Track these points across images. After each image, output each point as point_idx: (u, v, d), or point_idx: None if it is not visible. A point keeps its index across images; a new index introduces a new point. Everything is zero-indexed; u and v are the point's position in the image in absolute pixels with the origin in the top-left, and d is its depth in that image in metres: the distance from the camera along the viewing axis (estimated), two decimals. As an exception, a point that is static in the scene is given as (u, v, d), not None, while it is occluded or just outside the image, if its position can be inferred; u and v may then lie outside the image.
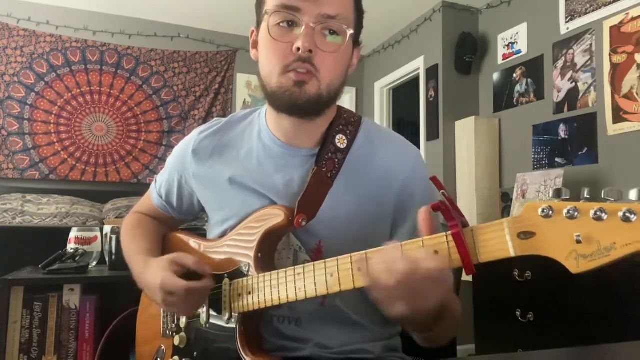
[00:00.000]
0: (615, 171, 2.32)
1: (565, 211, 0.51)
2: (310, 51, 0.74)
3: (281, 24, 0.77)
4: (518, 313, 2.06)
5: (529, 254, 0.54)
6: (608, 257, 0.48)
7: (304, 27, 0.75)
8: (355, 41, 0.84)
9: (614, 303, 1.62)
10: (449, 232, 0.58)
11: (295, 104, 0.77)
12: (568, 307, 1.82)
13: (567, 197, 0.53)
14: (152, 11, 3.58)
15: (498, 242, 0.56)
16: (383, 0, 3.25)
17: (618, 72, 2.32)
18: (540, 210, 0.52)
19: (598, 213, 0.48)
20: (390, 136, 0.91)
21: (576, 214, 0.50)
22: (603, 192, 0.52)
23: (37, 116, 3.39)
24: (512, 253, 0.54)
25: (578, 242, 0.50)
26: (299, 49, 0.74)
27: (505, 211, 2.82)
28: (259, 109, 0.94)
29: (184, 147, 0.95)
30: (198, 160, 0.91)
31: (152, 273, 0.81)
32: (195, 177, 0.92)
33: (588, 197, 0.52)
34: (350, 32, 0.78)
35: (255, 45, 0.85)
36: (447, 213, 0.58)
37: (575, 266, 0.50)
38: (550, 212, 0.52)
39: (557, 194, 0.54)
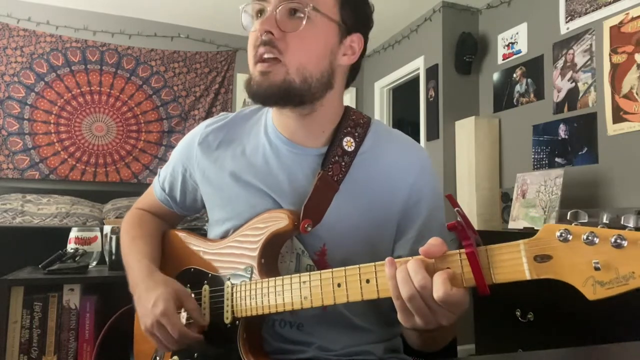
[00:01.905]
0: (615, 171, 2.32)
1: (584, 236, 0.49)
2: (272, 33, 0.75)
3: (255, 16, 0.79)
4: (518, 313, 2.06)
5: (545, 278, 0.53)
6: (626, 286, 0.47)
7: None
8: (352, 27, 0.82)
9: (614, 303, 1.62)
10: (463, 251, 0.57)
11: (257, 92, 0.77)
12: (568, 307, 1.81)
13: (585, 220, 0.52)
14: (152, 11, 3.57)
15: (514, 264, 0.54)
16: (383, 1, 3.25)
17: (618, 72, 2.32)
18: (558, 233, 0.51)
19: (618, 240, 0.47)
20: (399, 139, 0.90)
21: (595, 239, 0.49)
22: (623, 218, 0.51)
23: (37, 116, 3.38)
24: (527, 276, 0.53)
25: (596, 269, 0.48)
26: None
27: (505, 211, 2.82)
28: None
29: (190, 140, 0.94)
30: (203, 153, 0.90)
31: (154, 296, 0.77)
32: (200, 170, 0.91)
33: (607, 222, 0.52)
34: (310, 6, 0.75)
35: None
36: (462, 232, 0.56)
37: (592, 293, 0.49)
38: (569, 236, 0.50)
39: (575, 216, 0.53)
